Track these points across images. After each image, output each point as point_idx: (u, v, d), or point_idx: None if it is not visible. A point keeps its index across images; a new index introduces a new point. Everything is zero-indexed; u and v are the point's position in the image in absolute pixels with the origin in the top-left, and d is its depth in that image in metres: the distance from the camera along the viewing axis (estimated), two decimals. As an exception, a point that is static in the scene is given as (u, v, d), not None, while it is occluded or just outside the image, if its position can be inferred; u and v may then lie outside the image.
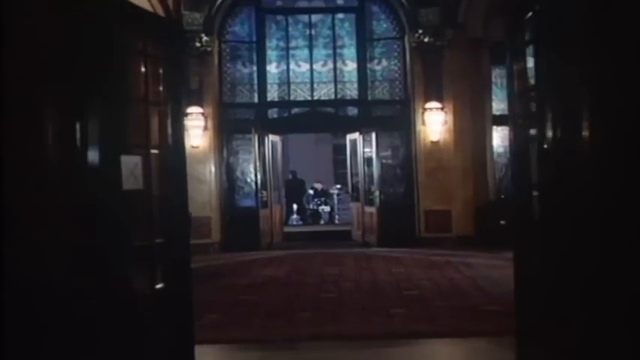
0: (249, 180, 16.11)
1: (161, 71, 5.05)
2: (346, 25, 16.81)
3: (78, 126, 4.07)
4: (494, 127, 16.43)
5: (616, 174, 3.92)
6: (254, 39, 16.56)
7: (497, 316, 7.53)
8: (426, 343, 6.92)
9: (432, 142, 15.72)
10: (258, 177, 15.84)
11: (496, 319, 7.38)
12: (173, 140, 5.15)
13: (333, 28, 16.75)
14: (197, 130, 15.47)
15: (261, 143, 16.15)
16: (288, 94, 16.55)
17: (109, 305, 4.15)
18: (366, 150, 16.49)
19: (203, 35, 15.54)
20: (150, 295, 4.79)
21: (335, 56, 16.66)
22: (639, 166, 3.85)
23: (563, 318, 4.32)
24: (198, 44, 15.49)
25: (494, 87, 16.64)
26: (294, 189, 22.17)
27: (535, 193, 4.99)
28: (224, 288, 10.45)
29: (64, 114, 3.95)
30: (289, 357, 6.57)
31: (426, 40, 15.76)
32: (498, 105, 16.58)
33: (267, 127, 16.37)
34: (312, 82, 16.57)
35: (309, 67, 16.60)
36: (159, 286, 4.92)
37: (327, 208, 23.29)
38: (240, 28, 16.61)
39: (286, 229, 18.70)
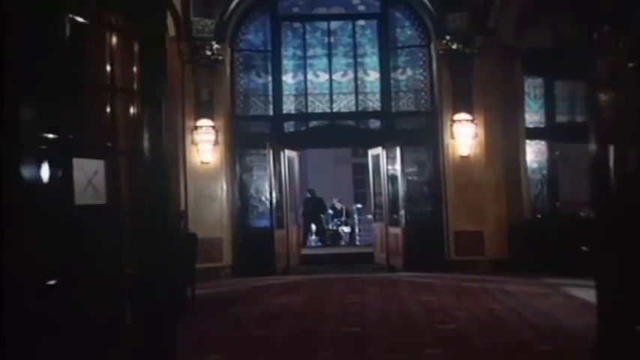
0: (263, 198, 14.92)
1: (136, 49, 3.91)
2: (368, 32, 15.68)
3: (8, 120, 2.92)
4: (527, 141, 15.17)
5: None
6: (269, 47, 15.47)
7: (555, 358, 6.26)
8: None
9: (462, 157, 14.48)
10: (274, 195, 14.65)
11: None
12: (151, 141, 3.96)
13: (353, 35, 15.63)
14: (207, 145, 14.34)
15: (277, 159, 15.00)
16: (306, 107, 15.41)
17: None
18: (390, 166, 15.28)
19: (214, 43, 14.43)
20: (114, 343, 3.59)
21: (356, 65, 15.53)
22: None
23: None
24: (208, 52, 14.40)
25: (526, 98, 15.39)
26: (313, 208, 21.00)
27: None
28: (232, 320, 9.21)
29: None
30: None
31: (454, 47, 14.57)
32: (532, 117, 15.42)
33: (282, 141, 15.22)
34: (331, 94, 15.45)
35: (328, 77, 15.49)
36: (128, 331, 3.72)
37: (348, 229, 22.14)
38: (255, 35, 15.51)
39: (304, 251, 17.46)
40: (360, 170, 36.66)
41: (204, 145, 14.30)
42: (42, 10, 3.15)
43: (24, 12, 3.03)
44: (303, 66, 15.49)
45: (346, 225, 22.02)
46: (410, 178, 14.95)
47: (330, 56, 15.52)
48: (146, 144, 3.95)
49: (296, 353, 7.14)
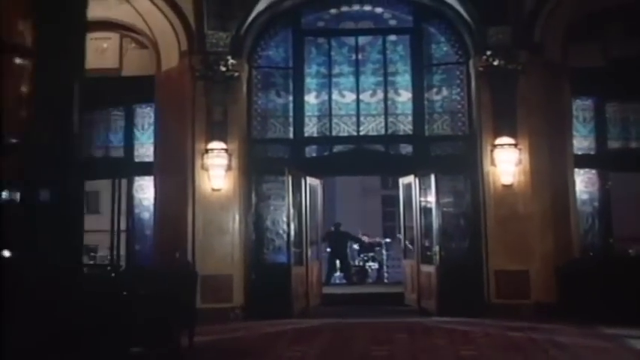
0: (281, 231, 13.40)
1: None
2: (399, 48, 14.23)
3: None
4: (576, 170, 13.52)
5: None
6: (290, 64, 14.10)
7: None
8: None
9: (504, 186, 12.88)
10: (292, 228, 13.13)
11: None
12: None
13: (383, 52, 14.18)
14: (219, 170, 12.91)
15: (297, 187, 13.52)
16: (330, 129, 13.96)
17: None
18: (423, 196, 13.73)
19: (229, 58, 13.09)
20: None
21: (386, 85, 14.06)
22: None
23: None
24: (223, 68, 13.04)
25: (574, 121, 13.76)
26: (337, 243, 19.41)
27: None
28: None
29: None
30: None
31: (495, 63, 13.06)
32: (581, 143, 13.82)
33: (304, 167, 13.74)
34: (358, 115, 13.98)
35: (355, 97, 14.04)
36: None
37: (375, 265, 20.55)
38: (275, 51, 14.13)
39: (326, 290, 15.81)
40: (389, 202, 35.69)
41: (216, 171, 12.88)
42: None
43: None
44: (327, 85, 14.09)
45: (374, 261, 20.45)
46: (445, 209, 13.35)
47: (357, 74, 14.09)
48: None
49: None
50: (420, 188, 13.75)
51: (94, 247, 17.84)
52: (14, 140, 2.76)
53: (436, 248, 13.09)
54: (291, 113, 13.94)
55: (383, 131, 13.92)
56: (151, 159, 13.64)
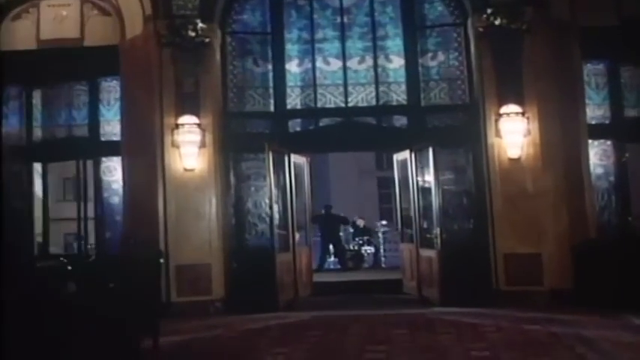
0: (263, 214, 12.03)
1: None
2: (389, 9, 12.85)
3: None
4: (590, 141, 12.12)
5: None
6: (269, 29, 12.71)
7: None
8: None
9: (511, 160, 11.53)
10: (275, 210, 11.76)
11: None
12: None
13: (372, 13, 12.80)
14: (192, 147, 11.52)
15: (280, 165, 12.16)
16: (315, 101, 12.59)
17: None
18: (420, 173, 12.41)
19: (198, 22, 11.69)
20: None
21: (375, 50, 12.69)
22: None
23: None
24: (192, 34, 11.64)
25: (587, 88, 12.36)
26: (329, 226, 18.12)
27: None
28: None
29: None
30: None
31: (497, 22, 11.73)
32: (594, 112, 12.44)
33: (287, 143, 12.37)
34: (345, 85, 12.62)
35: (342, 64, 12.67)
36: None
37: (371, 249, 19.49)
38: (251, 15, 12.72)
39: (318, 277, 14.45)
40: (385, 184, 34.92)
41: (188, 148, 11.50)
42: None
43: None
44: (310, 51, 12.72)
45: (369, 244, 19.31)
46: (446, 187, 12.01)
47: (343, 39, 12.72)
48: None
49: None
50: (416, 164, 12.46)
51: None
52: None
53: (437, 230, 11.73)
54: (271, 83, 12.57)
55: (374, 102, 12.58)
56: (118, 138, 12.24)
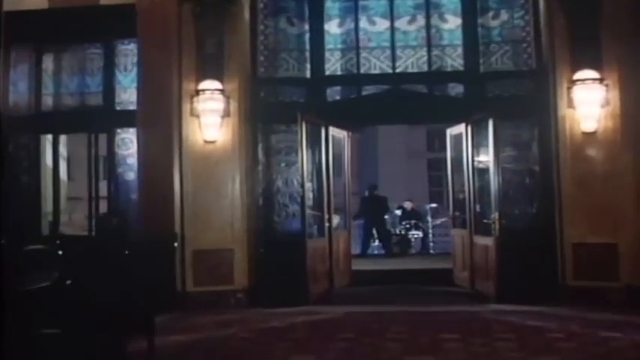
0: (295, 194, 10.60)
1: None
2: (444, -40, 11.26)
3: None
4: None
5: None
6: (306, -16, 11.25)
7: None
8: None
9: (585, 134, 9.88)
10: (307, 190, 10.31)
11: None
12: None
13: (424, -35, 11.24)
14: (213, 117, 10.11)
15: (316, 139, 10.73)
16: (358, 66, 11.10)
17: None
18: (477, 149, 10.89)
19: (224, -26, 10.23)
20: None
21: (428, 8, 11.15)
22: None
23: None
24: (216, -13, 10.19)
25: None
26: (373, 209, 16.74)
27: None
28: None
29: None
30: None
31: (571, -27, 9.99)
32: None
33: (324, 114, 10.93)
34: (393, 48, 11.10)
35: (389, 24, 11.14)
36: None
37: (419, 234, 18.21)
38: (286, -33, 11.26)
39: (359, 265, 12.99)
40: (436, 166, 33.74)
41: (209, 117, 10.09)
42: None
43: None
44: (353, 9, 11.23)
45: (417, 229, 17.96)
46: (506, 165, 10.45)
47: (391, -5, 11.19)
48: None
49: None
50: (473, 139, 10.91)
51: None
52: None
53: (495, 215, 10.16)
54: (307, 46, 11.12)
55: (425, 67, 11.06)
56: (135, 107, 10.91)
